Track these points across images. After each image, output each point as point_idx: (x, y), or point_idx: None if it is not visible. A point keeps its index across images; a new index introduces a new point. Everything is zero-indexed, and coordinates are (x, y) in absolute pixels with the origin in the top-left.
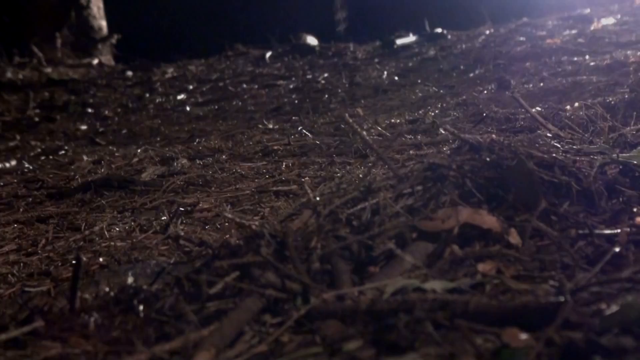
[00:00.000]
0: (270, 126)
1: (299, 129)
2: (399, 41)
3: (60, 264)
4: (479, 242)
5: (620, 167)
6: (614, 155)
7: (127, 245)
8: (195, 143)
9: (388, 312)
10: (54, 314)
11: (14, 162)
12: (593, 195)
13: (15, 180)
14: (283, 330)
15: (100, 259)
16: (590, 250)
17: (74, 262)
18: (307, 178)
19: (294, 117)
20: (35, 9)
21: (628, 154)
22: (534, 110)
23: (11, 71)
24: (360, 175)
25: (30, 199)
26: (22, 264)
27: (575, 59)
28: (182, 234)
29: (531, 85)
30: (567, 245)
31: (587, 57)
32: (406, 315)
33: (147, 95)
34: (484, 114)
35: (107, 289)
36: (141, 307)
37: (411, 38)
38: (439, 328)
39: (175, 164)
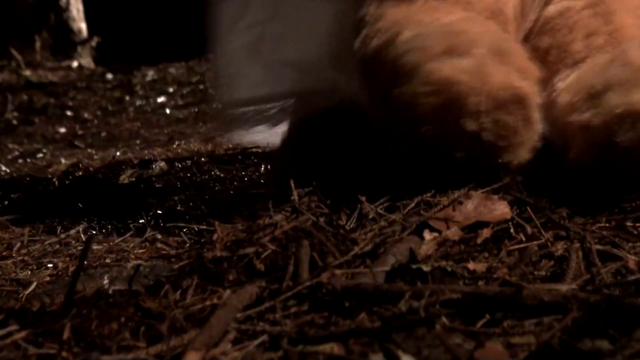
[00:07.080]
0: None
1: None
2: None
3: (35, 267)
4: None
5: None
6: None
7: (104, 249)
8: (174, 146)
9: None
10: (29, 316)
11: None
12: None
13: None
14: None
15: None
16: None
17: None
18: None
19: None
20: (13, 11)
21: None
22: None
23: None
24: None
25: (7, 202)
26: None
27: None
28: (160, 237)
29: None
30: None
31: None
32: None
33: (127, 98)
34: None
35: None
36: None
37: None
38: None
39: (154, 166)
